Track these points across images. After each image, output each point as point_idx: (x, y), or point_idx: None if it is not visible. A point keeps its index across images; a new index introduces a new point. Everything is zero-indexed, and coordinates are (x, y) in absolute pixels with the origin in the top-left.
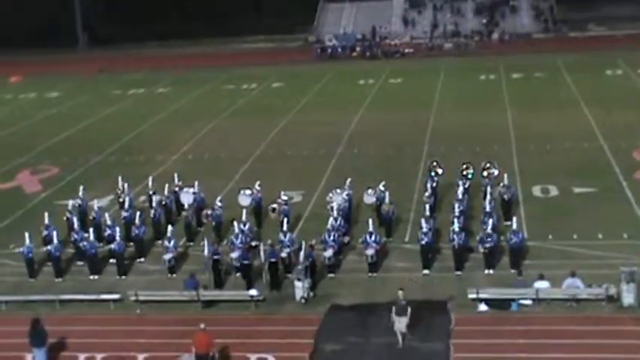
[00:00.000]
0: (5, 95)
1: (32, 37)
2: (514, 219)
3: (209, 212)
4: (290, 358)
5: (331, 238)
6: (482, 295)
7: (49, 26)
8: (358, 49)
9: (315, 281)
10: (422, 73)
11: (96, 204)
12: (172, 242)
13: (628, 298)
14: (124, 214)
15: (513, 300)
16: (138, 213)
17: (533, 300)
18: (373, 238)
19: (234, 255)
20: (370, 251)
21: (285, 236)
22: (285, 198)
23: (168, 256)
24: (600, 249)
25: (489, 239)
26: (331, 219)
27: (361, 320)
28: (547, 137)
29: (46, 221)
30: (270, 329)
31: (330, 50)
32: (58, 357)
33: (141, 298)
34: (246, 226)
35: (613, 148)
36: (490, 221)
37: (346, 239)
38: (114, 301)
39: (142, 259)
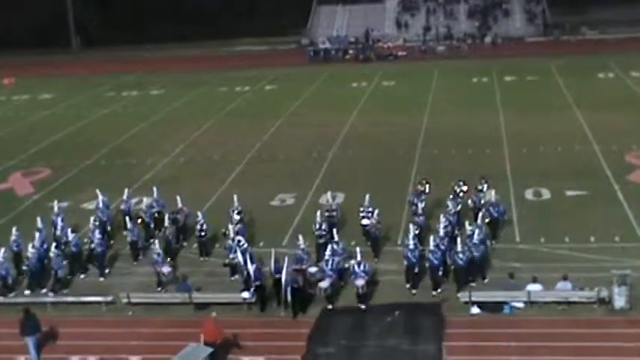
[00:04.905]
0: None
1: (25, 40)
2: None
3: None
4: None
5: (329, 266)
6: (474, 298)
7: (42, 28)
8: (351, 51)
9: (303, 306)
10: (415, 76)
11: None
12: (161, 256)
13: (619, 301)
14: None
15: (506, 303)
16: (127, 218)
17: (525, 303)
18: (362, 267)
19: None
20: (360, 282)
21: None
22: (237, 217)
23: (166, 269)
24: (592, 252)
25: (460, 256)
26: (330, 245)
27: (354, 323)
28: (539, 140)
29: (39, 225)
30: (263, 332)
31: (323, 53)
32: (50, 359)
33: (133, 300)
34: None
35: (605, 151)
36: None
37: (347, 264)
38: (106, 303)
39: (135, 263)
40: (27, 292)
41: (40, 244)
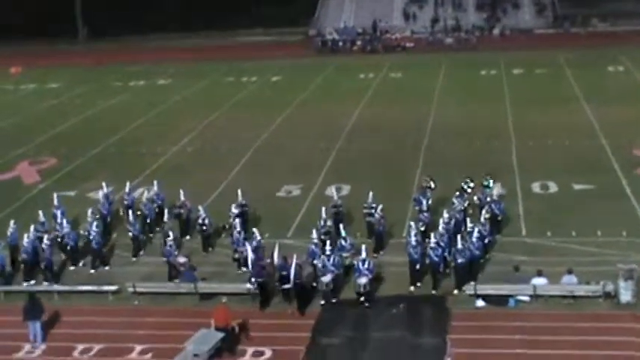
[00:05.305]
0: (5, 86)
1: (32, 29)
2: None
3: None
4: (287, 352)
5: (330, 261)
6: (479, 291)
7: (49, 17)
8: (359, 42)
9: (305, 303)
10: (422, 68)
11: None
12: (173, 248)
13: (625, 296)
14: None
15: (511, 296)
16: (130, 211)
17: (530, 296)
18: (366, 265)
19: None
20: (362, 280)
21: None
22: (235, 211)
23: (183, 260)
24: (599, 246)
25: (461, 254)
26: (338, 240)
27: (359, 315)
28: (547, 133)
29: (42, 218)
30: (267, 322)
31: (330, 44)
32: (56, 348)
33: (139, 289)
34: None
35: (613, 145)
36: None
37: (348, 260)
38: (112, 292)
39: (134, 259)
40: (25, 283)
41: (36, 237)
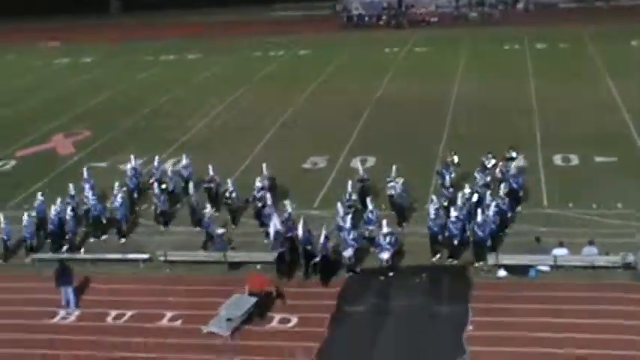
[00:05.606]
0: (40, 60)
1: (64, 3)
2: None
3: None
4: (312, 319)
5: (350, 236)
6: (501, 261)
7: None
8: (384, 17)
9: (329, 275)
10: (447, 43)
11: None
12: (210, 219)
13: None
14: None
15: (532, 266)
16: (155, 183)
17: (551, 266)
18: (388, 240)
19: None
20: (385, 255)
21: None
22: (258, 185)
23: (221, 231)
24: (619, 218)
25: (480, 228)
26: (367, 213)
27: (383, 283)
28: (570, 108)
29: (72, 192)
30: (294, 290)
31: (356, 19)
32: (89, 314)
33: (170, 258)
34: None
35: (635, 119)
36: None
37: (374, 233)
38: (143, 261)
39: (163, 229)
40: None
41: (62, 209)
